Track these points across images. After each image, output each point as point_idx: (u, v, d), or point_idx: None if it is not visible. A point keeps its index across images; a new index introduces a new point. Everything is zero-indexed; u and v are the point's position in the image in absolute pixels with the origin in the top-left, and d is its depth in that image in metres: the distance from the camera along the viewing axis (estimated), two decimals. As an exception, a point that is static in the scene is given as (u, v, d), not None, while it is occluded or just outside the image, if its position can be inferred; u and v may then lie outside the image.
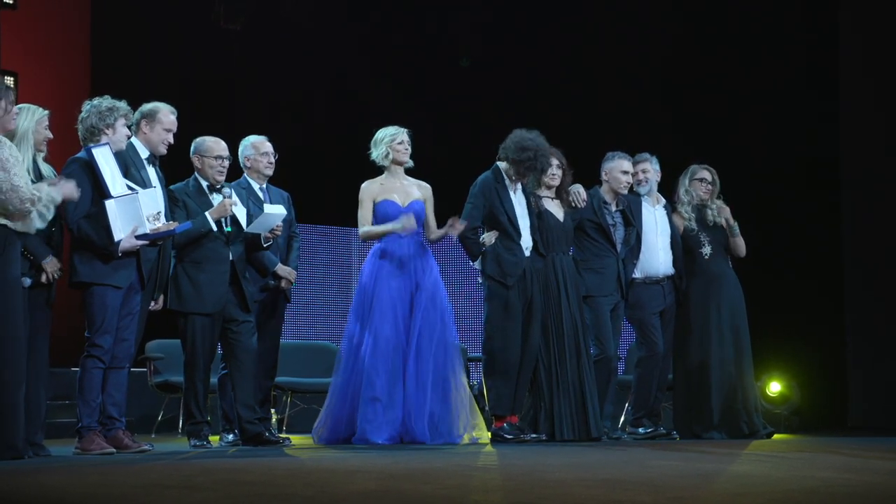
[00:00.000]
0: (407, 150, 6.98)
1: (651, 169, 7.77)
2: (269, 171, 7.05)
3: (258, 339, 6.83)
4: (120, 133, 6.01)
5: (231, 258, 6.57)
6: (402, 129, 7.01)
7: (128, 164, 6.08)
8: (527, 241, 7.05)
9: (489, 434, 6.94)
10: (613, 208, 7.57)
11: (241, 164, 7.04)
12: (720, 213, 7.79)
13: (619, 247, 7.52)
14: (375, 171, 7.07)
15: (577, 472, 4.54)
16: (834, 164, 10.52)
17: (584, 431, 6.92)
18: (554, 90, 11.03)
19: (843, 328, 10.44)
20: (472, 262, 7.12)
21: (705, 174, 7.85)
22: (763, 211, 9.88)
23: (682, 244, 7.79)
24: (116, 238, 5.84)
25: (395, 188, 6.94)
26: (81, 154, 5.96)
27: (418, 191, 6.99)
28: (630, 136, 9.47)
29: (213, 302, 6.50)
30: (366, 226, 6.92)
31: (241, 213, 6.58)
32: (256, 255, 6.82)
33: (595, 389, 7.06)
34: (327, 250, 11.26)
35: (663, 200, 7.89)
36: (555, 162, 7.15)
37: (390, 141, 6.95)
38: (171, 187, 6.56)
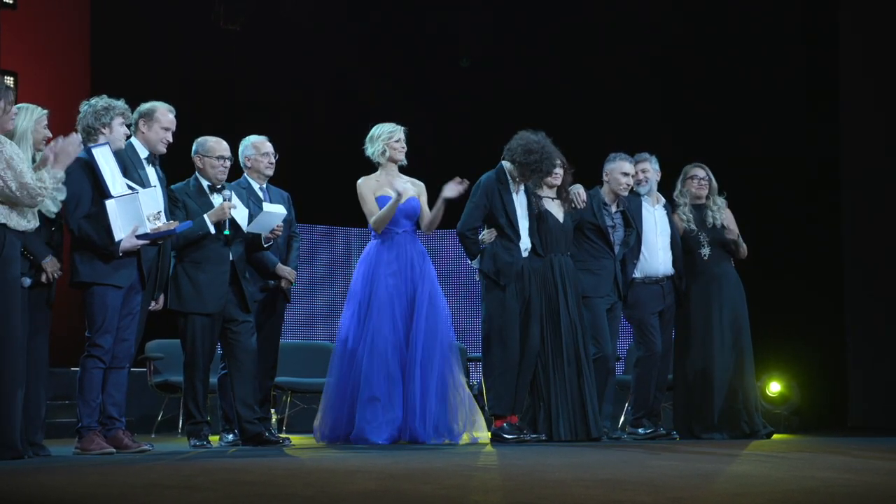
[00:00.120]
0: (403, 148, 6.99)
1: (651, 169, 7.77)
2: (270, 172, 7.05)
3: (258, 338, 6.83)
4: (117, 132, 6.01)
5: (231, 258, 6.57)
6: (399, 127, 7.01)
7: (126, 163, 6.08)
8: (525, 243, 7.05)
9: (489, 434, 6.94)
10: (613, 209, 7.56)
11: (242, 164, 7.04)
12: (725, 222, 7.76)
13: (617, 248, 7.52)
14: (374, 170, 7.05)
15: (576, 472, 4.54)
16: (834, 164, 10.51)
17: (582, 432, 6.91)
18: (554, 90, 11.03)
19: (843, 328, 10.43)
20: (471, 260, 7.12)
21: (696, 171, 7.85)
22: (763, 211, 9.88)
23: (682, 245, 7.79)
24: (117, 238, 5.85)
25: (392, 185, 6.93)
26: (81, 154, 5.96)
27: (413, 188, 6.99)
28: (629, 136, 9.46)
29: (214, 302, 6.50)
30: (372, 216, 6.90)
31: (239, 216, 6.56)
32: (256, 255, 6.82)
33: (594, 390, 7.06)
34: (327, 250, 11.27)
35: (663, 200, 7.88)
36: (556, 161, 7.15)
37: (387, 138, 6.95)
38: (172, 187, 6.56)
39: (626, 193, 7.54)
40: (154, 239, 6.01)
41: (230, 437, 6.73)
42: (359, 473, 4.44)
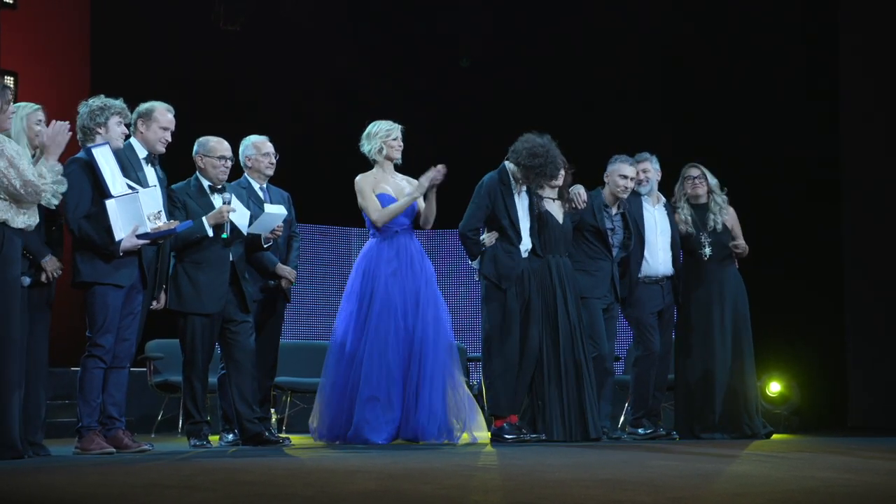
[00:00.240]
0: (401, 146, 6.98)
1: (652, 168, 7.77)
2: (270, 172, 7.05)
3: (258, 338, 6.83)
4: (114, 131, 6.01)
5: (231, 259, 6.57)
6: (397, 125, 6.99)
7: (125, 164, 6.07)
8: (526, 244, 7.05)
9: (489, 434, 6.94)
10: (614, 211, 7.55)
11: (242, 164, 7.04)
12: (728, 223, 7.73)
13: (615, 251, 7.52)
14: (371, 168, 7.03)
15: (576, 472, 4.54)
16: (834, 164, 10.51)
17: (578, 432, 6.90)
18: (554, 90, 11.02)
19: (843, 328, 10.43)
20: (471, 261, 7.12)
21: (690, 171, 7.84)
22: (763, 211, 9.88)
23: (684, 245, 7.79)
24: (117, 237, 5.85)
25: (389, 182, 6.94)
26: (81, 154, 5.97)
27: (409, 186, 6.97)
28: (630, 136, 9.47)
29: (213, 302, 6.50)
30: (377, 210, 6.85)
31: (238, 219, 6.54)
32: (256, 255, 6.82)
33: (594, 390, 7.05)
34: (327, 250, 11.27)
35: (663, 200, 7.88)
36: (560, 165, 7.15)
37: (385, 136, 6.94)
38: (173, 187, 6.56)
39: (624, 196, 7.52)
40: (154, 238, 6.01)
41: (230, 436, 6.73)
42: (359, 473, 4.44)
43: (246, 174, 7.05)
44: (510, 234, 6.98)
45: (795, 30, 10.70)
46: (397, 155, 6.97)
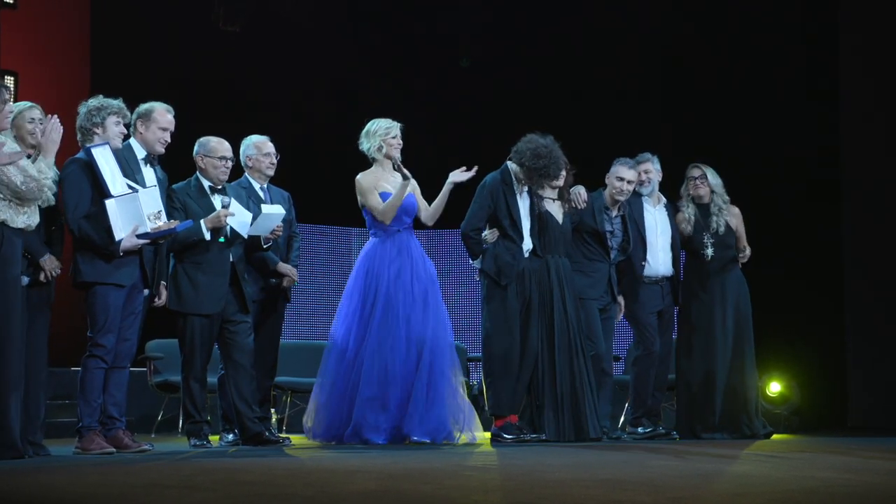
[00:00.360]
0: (400, 144, 6.94)
1: (653, 169, 7.76)
2: (271, 172, 7.04)
3: (258, 338, 6.83)
4: (111, 131, 6.01)
5: (231, 259, 6.57)
6: (396, 124, 6.96)
7: (123, 164, 6.06)
8: (528, 244, 7.05)
9: (487, 434, 6.94)
10: (614, 214, 7.54)
11: (243, 164, 7.03)
12: (732, 225, 7.71)
13: (614, 253, 7.51)
14: (371, 167, 7.01)
15: (576, 472, 4.54)
16: (834, 164, 10.51)
17: (571, 432, 6.88)
18: (554, 90, 11.02)
19: (843, 328, 10.43)
20: (472, 260, 7.12)
21: (692, 171, 7.82)
22: (763, 211, 9.88)
23: (687, 246, 7.79)
24: (117, 237, 5.85)
25: (388, 181, 6.91)
26: (80, 154, 5.97)
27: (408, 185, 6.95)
28: (629, 136, 9.47)
29: (213, 303, 6.50)
30: (381, 206, 6.83)
31: (237, 223, 6.53)
32: (257, 255, 6.81)
33: (592, 391, 7.04)
34: (327, 250, 11.27)
35: (664, 200, 7.88)
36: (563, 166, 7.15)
37: (384, 134, 6.91)
38: (173, 187, 6.55)
39: (621, 198, 7.50)
40: (154, 238, 6.01)
41: (230, 436, 6.72)
42: (359, 473, 4.44)
43: (246, 174, 7.04)
44: (512, 235, 6.98)
45: (795, 30, 10.71)
46: (397, 154, 6.93)
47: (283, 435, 7.13)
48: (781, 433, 8.56)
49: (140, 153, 6.25)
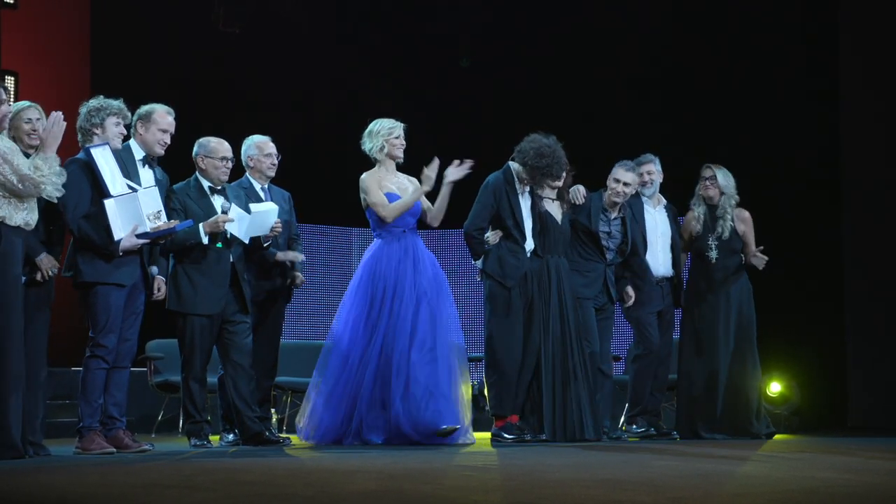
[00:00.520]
0: (403, 144, 6.89)
1: (655, 170, 7.77)
2: (272, 173, 7.04)
3: (258, 339, 6.83)
4: (111, 131, 6.01)
5: (231, 260, 6.57)
6: (399, 124, 6.91)
7: (120, 165, 6.04)
8: (530, 245, 7.05)
9: (488, 434, 6.93)
10: (613, 215, 7.54)
11: (244, 164, 7.03)
12: (739, 229, 7.68)
13: (611, 255, 7.50)
14: (373, 167, 6.99)
15: (576, 472, 4.54)
16: (834, 164, 10.52)
17: (572, 432, 6.87)
18: (554, 90, 11.02)
19: (843, 328, 10.43)
20: (474, 260, 7.11)
21: (703, 172, 7.80)
22: (763, 211, 9.86)
23: (693, 246, 7.78)
24: (117, 237, 5.85)
25: (392, 181, 6.88)
26: (80, 154, 5.97)
27: (411, 185, 6.91)
28: (629, 137, 9.47)
29: (213, 304, 6.50)
30: (386, 207, 6.76)
31: (236, 228, 6.52)
32: (257, 255, 6.78)
33: (590, 391, 7.04)
34: (327, 250, 11.27)
35: (664, 201, 7.89)
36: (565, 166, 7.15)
37: (387, 135, 6.86)
38: (173, 187, 6.54)
39: (618, 200, 7.48)
40: (154, 238, 6.01)
41: (230, 436, 6.73)
42: (359, 473, 4.44)
43: (247, 174, 7.04)
44: (515, 235, 6.98)
45: (795, 30, 10.70)
46: (399, 153, 6.90)
47: (284, 435, 7.14)
48: (782, 433, 8.55)
49: (138, 154, 6.24)
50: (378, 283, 6.71)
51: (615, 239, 7.53)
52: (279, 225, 6.71)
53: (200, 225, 6.43)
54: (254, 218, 6.56)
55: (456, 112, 11.14)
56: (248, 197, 6.86)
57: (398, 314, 6.63)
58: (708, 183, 7.76)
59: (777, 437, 7.84)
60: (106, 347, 5.89)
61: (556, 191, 7.20)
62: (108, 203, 5.83)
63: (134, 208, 5.91)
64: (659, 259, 7.73)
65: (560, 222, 7.18)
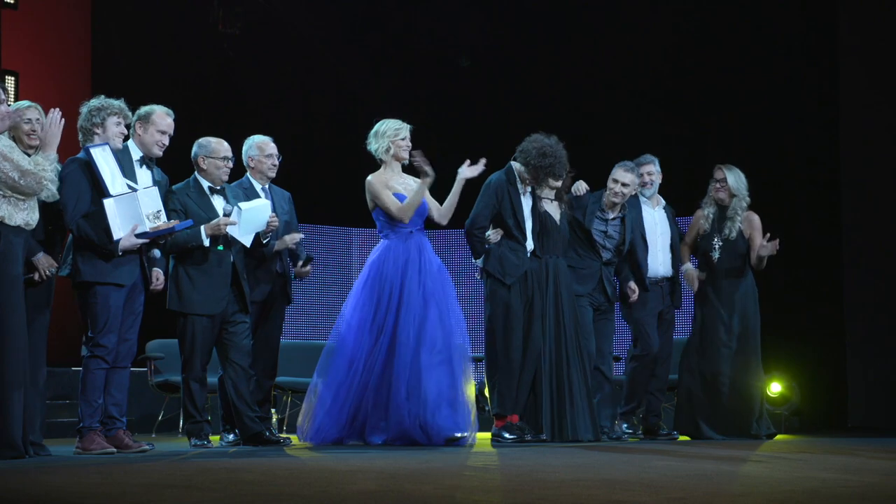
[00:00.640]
0: (409, 146, 6.84)
1: (654, 171, 7.78)
2: (272, 174, 7.03)
3: (258, 339, 6.83)
4: (111, 131, 6.01)
5: (232, 259, 6.56)
6: (405, 125, 6.86)
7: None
8: (531, 244, 7.05)
9: (488, 434, 6.92)
10: (611, 216, 7.54)
11: (245, 164, 7.02)
12: (746, 233, 7.64)
13: (608, 254, 7.50)
14: (375, 168, 6.97)
15: (577, 472, 4.54)
16: (834, 164, 10.51)
17: (571, 432, 6.87)
18: (554, 90, 11.02)
19: (843, 328, 10.43)
20: (475, 259, 7.11)
21: (715, 173, 7.77)
22: (763, 211, 9.86)
23: (699, 246, 7.78)
24: (116, 237, 5.85)
25: (398, 182, 6.83)
26: (80, 154, 5.97)
27: (416, 187, 6.89)
28: (629, 137, 9.48)
29: (215, 304, 6.49)
30: (397, 206, 6.72)
31: (237, 232, 6.52)
32: (258, 252, 6.76)
33: (589, 392, 7.04)
34: (327, 250, 11.27)
35: (663, 202, 7.90)
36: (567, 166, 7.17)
37: (393, 136, 6.81)
38: (172, 188, 6.54)
39: (617, 200, 7.48)
40: (154, 238, 6.01)
41: (231, 436, 6.73)
42: (359, 473, 4.44)
43: (248, 174, 7.03)
44: (516, 234, 6.98)
45: (795, 30, 10.69)
46: (405, 155, 6.82)
47: (284, 435, 7.13)
48: (782, 434, 8.55)
49: (136, 154, 6.23)
50: (385, 284, 6.65)
51: (612, 239, 7.53)
52: (275, 219, 6.68)
53: (202, 227, 6.42)
54: (246, 216, 6.52)
55: (456, 112, 11.14)
56: (247, 197, 6.84)
57: (405, 315, 6.57)
58: (718, 185, 7.74)
59: (777, 437, 7.84)
60: (106, 347, 5.89)
61: (554, 191, 7.20)
62: (107, 202, 5.84)
63: (133, 208, 5.91)
64: (658, 259, 7.74)
65: (559, 223, 7.19)
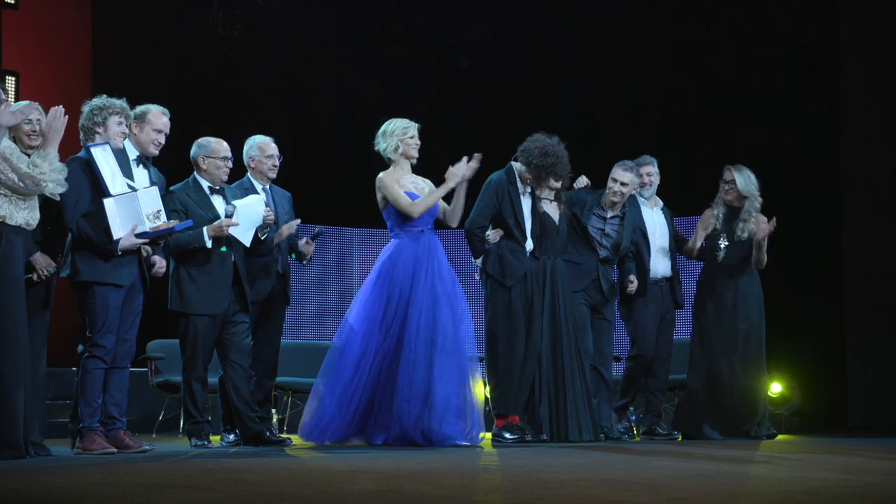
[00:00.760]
0: (417, 144, 6.79)
1: (653, 172, 7.79)
2: (273, 174, 7.02)
3: (259, 339, 6.83)
4: (113, 131, 6.01)
5: (233, 259, 6.57)
6: (413, 124, 6.82)
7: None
8: (530, 245, 7.05)
9: (489, 434, 6.93)
10: (609, 214, 7.54)
11: (245, 164, 7.02)
12: (756, 230, 7.61)
13: (606, 252, 7.50)
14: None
15: (577, 472, 4.54)
16: (834, 164, 10.51)
17: (570, 433, 6.87)
18: (554, 90, 11.02)
19: (843, 328, 10.44)
20: (475, 258, 7.12)
21: (724, 174, 7.72)
22: (762, 211, 9.87)
23: (706, 244, 7.77)
24: (116, 236, 5.85)
25: (408, 181, 6.78)
26: (80, 153, 5.97)
27: (427, 186, 6.84)
28: (629, 138, 9.48)
29: (217, 304, 6.50)
30: (410, 203, 6.66)
31: (239, 232, 6.52)
32: (258, 249, 6.75)
33: (588, 392, 7.04)
34: (327, 250, 11.27)
35: (661, 203, 7.91)
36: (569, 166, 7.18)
37: (402, 134, 6.76)
38: (171, 188, 6.54)
39: (616, 199, 7.48)
40: (154, 238, 6.01)
41: (231, 437, 6.73)
42: (360, 473, 4.45)
43: (249, 174, 7.03)
44: (516, 234, 6.98)
45: (795, 29, 10.69)
46: (414, 153, 6.78)
47: (284, 435, 7.13)
48: (782, 434, 8.56)
49: (132, 154, 6.23)
50: (395, 283, 6.61)
51: (610, 238, 7.53)
52: (270, 212, 6.67)
53: (204, 229, 6.42)
54: (242, 212, 6.51)
55: (456, 112, 11.14)
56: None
57: (415, 314, 6.53)
58: (727, 187, 7.70)
59: (778, 437, 7.84)
60: (104, 347, 5.89)
61: (553, 192, 7.20)
62: (107, 202, 5.84)
63: (133, 208, 5.91)
64: (658, 259, 7.75)
65: (558, 224, 7.19)
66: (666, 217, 7.87)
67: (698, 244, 7.75)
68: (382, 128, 6.83)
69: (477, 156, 6.76)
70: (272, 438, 6.63)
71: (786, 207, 10.32)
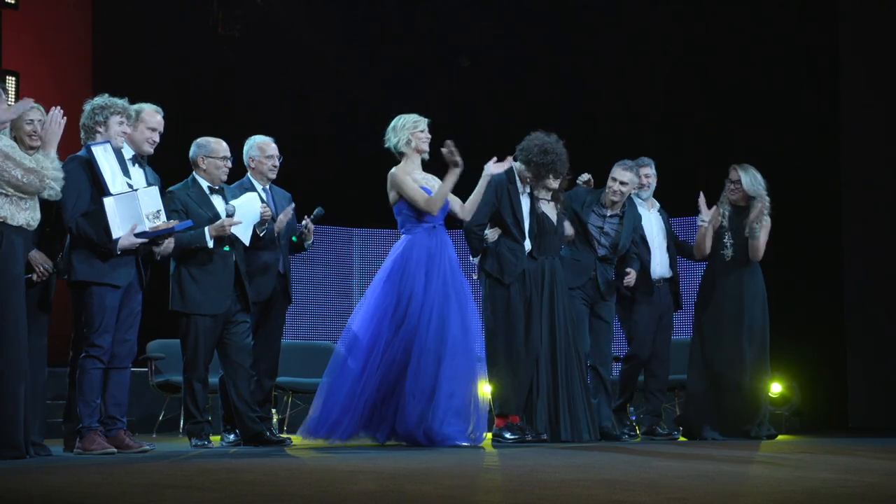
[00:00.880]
0: (428, 137, 6.73)
1: (651, 173, 7.80)
2: (273, 175, 7.02)
3: (259, 339, 6.82)
4: (114, 130, 6.01)
5: (234, 259, 6.57)
6: (423, 118, 6.78)
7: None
8: (529, 244, 7.05)
9: (489, 434, 6.93)
10: (609, 213, 7.54)
11: (245, 164, 7.02)
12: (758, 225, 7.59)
13: (604, 251, 7.50)
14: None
15: (577, 472, 4.54)
16: (834, 164, 10.51)
17: (569, 433, 6.86)
18: (554, 90, 11.02)
19: (843, 328, 10.44)
20: (473, 257, 7.11)
21: (730, 174, 7.67)
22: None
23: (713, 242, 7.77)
24: (115, 236, 5.84)
25: (420, 176, 6.72)
26: (81, 152, 5.97)
27: (436, 184, 6.77)
28: (628, 138, 9.47)
29: (218, 304, 6.50)
30: (423, 197, 6.59)
31: (240, 231, 6.52)
32: (258, 247, 6.75)
33: (585, 392, 7.04)
34: (327, 250, 11.27)
35: (657, 205, 7.92)
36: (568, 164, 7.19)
37: (412, 128, 6.71)
38: (171, 189, 6.54)
39: (615, 199, 7.49)
40: (153, 238, 6.01)
41: (231, 437, 6.73)
42: (360, 473, 4.45)
43: (249, 174, 7.03)
44: (514, 233, 6.98)
45: (795, 29, 10.70)
46: (426, 147, 6.71)
47: (284, 435, 7.13)
48: (782, 434, 8.56)
49: (128, 153, 6.23)
50: (406, 278, 6.56)
51: (609, 236, 7.54)
52: (267, 209, 6.67)
53: (206, 229, 6.42)
54: (240, 211, 6.51)
55: (456, 112, 11.13)
56: (248, 197, 6.85)
57: (427, 310, 6.48)
58: (733, 186, 7.67)
59: (778, 437, 7.84)
60: (101, 347, 5.89)
61: (551, 192, 7.20)
62: (107, 201, 5.83)
63: (133, 207, 5.91)
64: (657, 260, 7.77)
65: (556, 224, 7.19)
66: (663, 218, 7.89)
67: (708, 242, 7.70)
68: (392, 123, 6.79)
69: (509, 158, 6.84)
70: (272, 438, 6.63)
71: (786, 207, 10.34)
